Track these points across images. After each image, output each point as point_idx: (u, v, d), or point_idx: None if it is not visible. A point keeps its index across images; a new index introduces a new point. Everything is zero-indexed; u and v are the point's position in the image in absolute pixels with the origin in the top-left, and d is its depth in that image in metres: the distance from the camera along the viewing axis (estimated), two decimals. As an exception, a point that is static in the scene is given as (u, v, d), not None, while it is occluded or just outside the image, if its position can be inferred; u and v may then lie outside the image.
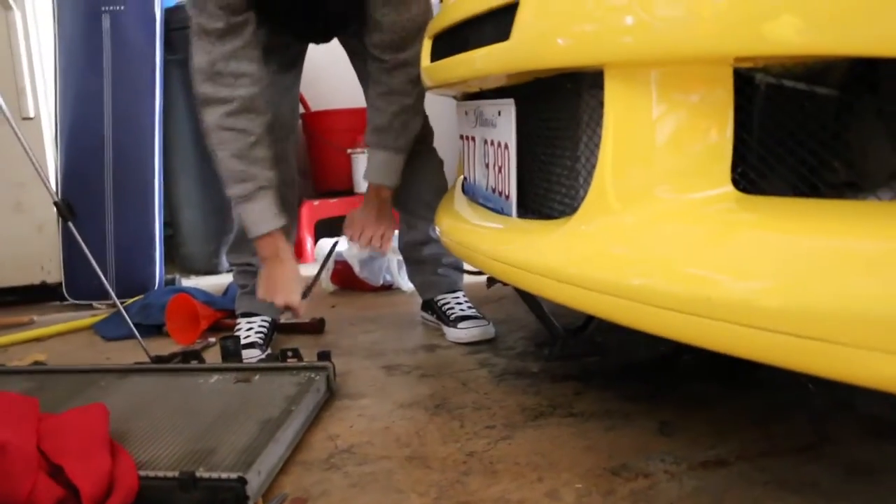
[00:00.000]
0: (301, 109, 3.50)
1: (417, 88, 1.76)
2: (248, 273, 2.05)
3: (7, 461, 1.09)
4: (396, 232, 2.09)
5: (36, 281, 2.94)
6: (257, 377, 1.58)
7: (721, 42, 0.75)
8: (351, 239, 1.98)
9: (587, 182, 1.04)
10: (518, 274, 1.13)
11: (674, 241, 0.84)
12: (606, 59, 0.91)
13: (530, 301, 1.71)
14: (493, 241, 1.26)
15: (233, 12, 1.65)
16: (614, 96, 0.92)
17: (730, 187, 0.82)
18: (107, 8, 2.90)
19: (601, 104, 0.96)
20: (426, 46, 1.48)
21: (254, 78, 1.71)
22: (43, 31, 2.89)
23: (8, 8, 2.74)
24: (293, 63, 2.01)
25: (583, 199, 1.03)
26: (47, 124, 2.88)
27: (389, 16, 1.72)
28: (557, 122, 1.15)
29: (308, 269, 3.01)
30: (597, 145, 1.01)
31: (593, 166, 1.02)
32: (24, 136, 2.05)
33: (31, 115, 2.81)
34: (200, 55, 1.69)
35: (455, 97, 1.62)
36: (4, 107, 2.02)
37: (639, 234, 0.89)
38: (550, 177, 1.18)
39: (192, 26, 1.68)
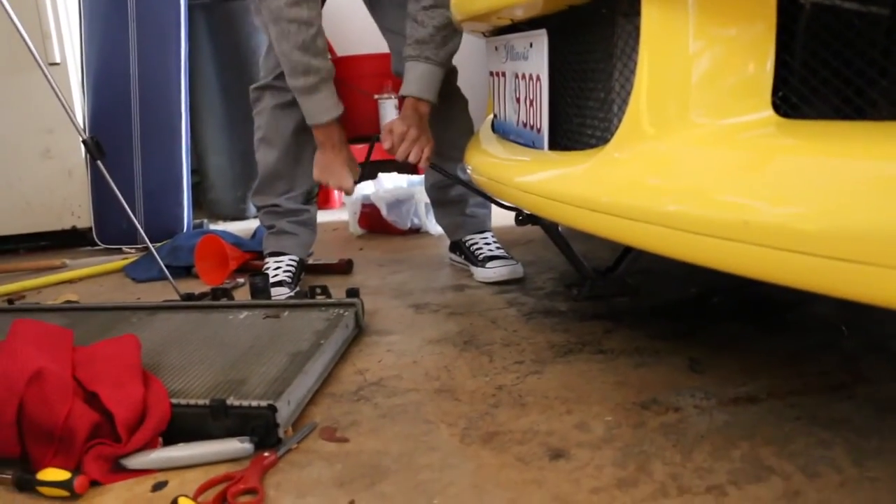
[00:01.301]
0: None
1: None
2: (274, 214, 2.05)
3: (44, 387, 1.11)
4: (422, 177, 2.08)
5: (67, 226, 2.96)
6: (286, 313, 1.59)
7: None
8: (390, 149, 1.87)
9: (621, 112, 1.02)
10: (551, 205, 1.12)
11: (711, 166, 0.83)
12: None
13: (560, 242, 1.71)
14: (525, 174, 1.24)
15: None
16: (651, 18, 0.90)
17: (770, 112, 0.80)
18: (131, -50, 2.88)
19: (636, 29, 0.94)
20: (455, -23, 1.45)
21: None
22: (67, -25, 2.87)
23: (33, -49, 2.72)
24: None
25: (616, 129, 1.02)
26: (73, 70, 2.88)
27: None
28: (590, 51, 1.13)
29: (334, 215, 3.03)
30: (631, 73, 0.99)
31: (627, 95, 1.00)
32: (54, 80, 2.04)
33: (58, 60, 2.81)
34: None
35: (483, 34, 1.59)
36: (35, 52, 2.01)
37: (675, 160, 0.88)
38: (583, 109, 1.16)
39: None
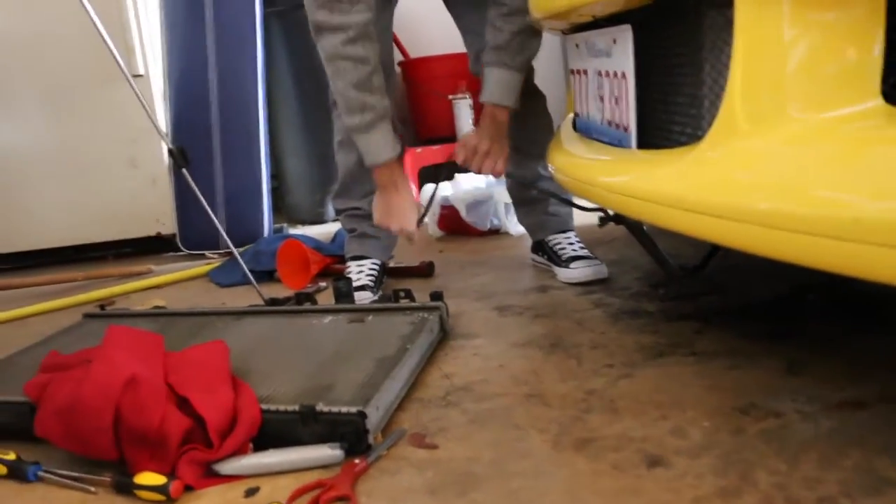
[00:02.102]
0: (400, 57, 3.49)
1: None
2: (355, 217, 2.06)
3: (139, 393, 1.13)
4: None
5: (151, 233, 3.04)
6: (370, 317, 1.59)
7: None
8: (463, 162, 1.87)
9: (712, 108, 0.99)
10: (641, 205, 1.09)
11: (814, 162, 0.79)
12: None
13: (645, 241, 1.67)
14: (613, 174, 1.21)
15: None
16: (745, 8, 0.86)
17: (880, 101, 0.76)
18: (208, -38, 2.93)
19: (728, 21, 0.90)
20: (535, -26, 1.43)
21: (368, 3, 1.69)
22: (149, -10, 2.94)
23: (117, -33, 2.79)
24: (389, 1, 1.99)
25: (708, 126, 0.98)
26: (156, 80, 2.95)
27: None
28: (679, 46, 1.10)
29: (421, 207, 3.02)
30: (723, 68, 0.96)
31: (719, 91, 0.97)
32: (139, 91, 2.09)
33: (141, 72, 2.87)
34: None
35: (562, 31, 1.57)
36: (122, 64, 2.06)
37: (774, 156, 0.84)
38: (671, 105, 1.13)
39: None
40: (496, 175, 1.85)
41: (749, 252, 0.88)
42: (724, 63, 0.94)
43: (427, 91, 3.38)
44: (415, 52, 3.56)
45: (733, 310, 1.59)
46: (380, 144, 1.77)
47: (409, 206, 1.85)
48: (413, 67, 3.48)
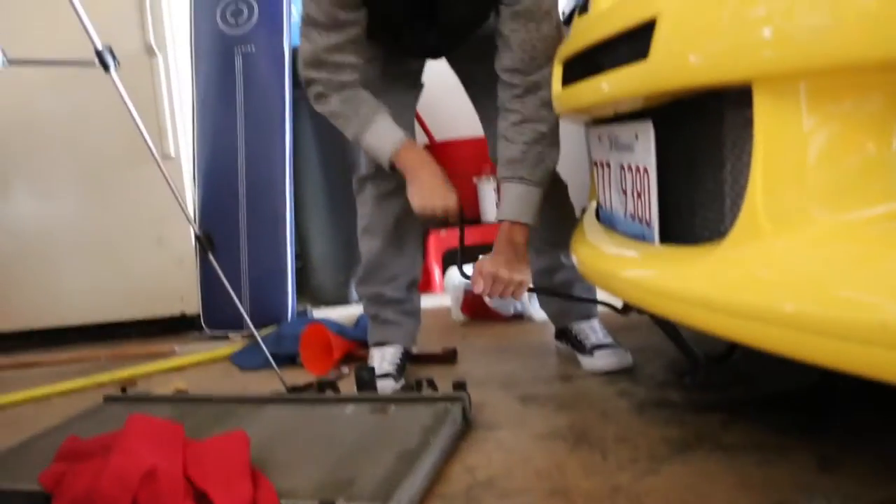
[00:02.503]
0: (425, 140, 3.54)
1: (552, 115, 1.67)
2: (378, 303, 2.06)
3: (158, 487, 1.12)
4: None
5: (176, 312, 3.06)
6: (393, 408, 1.58)
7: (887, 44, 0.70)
8: (481, 293, 1.80)
9: (735, 205, 0.99)
10: (664, 302, 1.08)
11: (839, 264, 0.79)
12: (755, 73, 0.86)
13: (668, 328, 1.66)
14: (635, 269, 1.21)
15: (344, 8, 1.68)
16: (764, 113, 0.87)
17: (901, 203, 0.76)
18: (239, 49, 3.01)
19: (748, 122, 0.91)
20: (556, 71, 1.45)
21: (355, 67, 1.75)
22: (182, 74, 3.02)
23: (153, 54, 2.88)
24: (411, 88, 2.03)
25: (730, 222, 0.98)
26: (186, 162, 3.00)
27: (518, 32, 1.67)
28: (699, 142, 1.11)
29: (436, 301, 3.02)
30: (744, 166, 0.96)
31: (740, 188, 0.97)
32: (167, 172, 2.13)
33: (172, 153, 2.94)
34: (306, 43, 1.74)
35: (584, 123, 1.59)
36: (153, 147, 2.10)
37: (798, 257, 0.84)
38: (693, 200, 1.13)
39: (303, 15, 1.74)
40: (517, 299, 1.82)
41: (774, 353, 0.87)
42: (745, 162, 0.95)
43: (452, 174, 3.41)
44: (440, 136, 3.61)
45: (761, 400, 1.57)
46: (385, 133, 1.77)
47: (444, 182, 1.80)
48: (438, 150, 3.52)
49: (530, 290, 1.85)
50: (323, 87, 1.76)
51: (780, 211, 0.87)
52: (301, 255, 3.32)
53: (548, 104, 1.65)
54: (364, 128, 1.76)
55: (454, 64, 2.05)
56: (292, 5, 3.07)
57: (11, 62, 1.91)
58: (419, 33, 1.81)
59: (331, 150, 3.19)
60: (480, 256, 2.64)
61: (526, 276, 1.78)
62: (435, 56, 2.02)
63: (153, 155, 2.09)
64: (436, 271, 3.26)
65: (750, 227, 0.90)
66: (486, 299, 2.56)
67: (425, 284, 3.34)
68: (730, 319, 0.92)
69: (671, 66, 0.98)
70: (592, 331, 1.98)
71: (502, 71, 1.73)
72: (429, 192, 1.78)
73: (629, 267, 1.24)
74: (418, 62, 2.03)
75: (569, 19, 2.36)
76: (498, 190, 2.83)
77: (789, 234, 0.86)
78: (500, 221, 1.78)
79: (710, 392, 1.62)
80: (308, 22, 1.72)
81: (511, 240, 1.75)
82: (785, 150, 0.86)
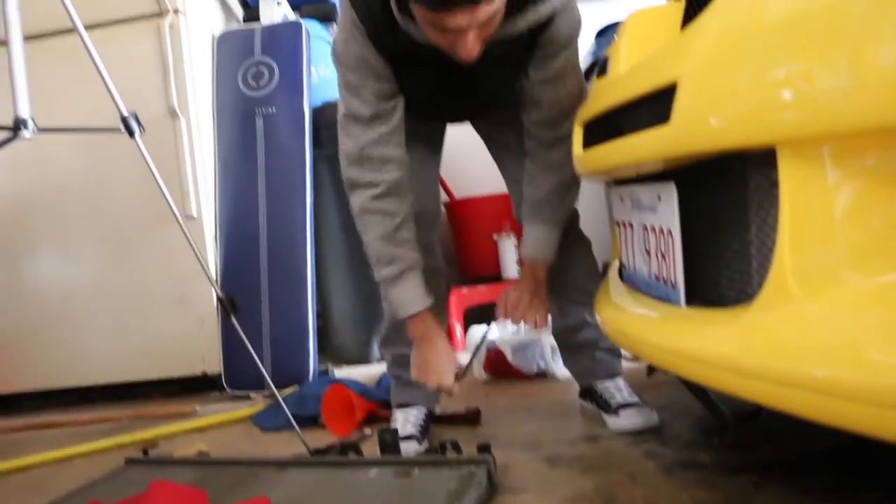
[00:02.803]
0: (445, 197, 3.56)
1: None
2: (400, 364, 2.05)
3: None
4: (549, 316, 2.06)
5: (197, 372, 3.05)
6: (417, 471, 1.56)
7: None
8: (504, 316, 1.90)
9: (761, 267, 0.98)
10: (690, 365, 1.07)
11: (872, 328, 0.77)
12: (779, 137, 0.86)
13: (695, 387, 1.63)
14: (660, 331, 1.20)
15: (383, 98, 1.70)
16: (790, 176, 0.86)
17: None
18: (261, 110, 3.06)
19: (772, 184, 0.91)
20: (577, 133, 1.46)
21: (399, 162, 1.75)
22: (205, 136, 3.06)
23: (176, 117, 2.92)
24: (436, 148, 2.05)
25: (757, 284, 0.98)
26: (208, 222, 3.03)
27: (548, 94, 1.73)
28: (724, 203, 1.10)
29: (459, 357, 3.00)
30: (769, 228, 0.95)
31: (766, 250, 0.96)
32: (190, 234, 2.15)
33: (195, 214, 2.97)
34: (348, 140, 1.75)
35: (606, 182, 1.59)
36: (175, 210, 2.13)
37: (829, 322, 0.82)
38: (718, 260, 1.13)
39: (341, 111, 1.75)
40: (538, 327, 1.87)
41: (806, 419, 0.85)
42: (771, 224, 0.94)
43: (472, 231, 3.43)
44: (460, 193, 3.63)
45: (792, 460, 1.54)
46: (409, 296, 1.79)
47: (446, 359, 1.84)
48: (458, 208, 3.54)
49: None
50: (369, 197, 1.75)
51: (808, 275, 0.86)
52: (322, 314, 3.32)
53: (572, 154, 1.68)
54: (393, 280, 1.79)
55: (478, 126, 2.08)
56: (312, 67, 3.12)
57: (41, 130, 1.94)
58: (453, 101, 1.85)
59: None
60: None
61: (546, 307, 1.88)
62: (466, 119, 2.06)
63: (176, 217, 2.11)
64: (458, 329, 3.25)
65: (778, 290, 0.89)
66: (509, 357, 2.55)
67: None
68: (759, 384, 0.90)
69: (693, 131, 0.98)
70: (618, 389, 1.96)
71: (531, 124, 1.79)
72: (427, 366, 1.84)
73: (654, 329, 1.23)
74: (442, 127, 2.06)
75: (587, 74, 2.39)
76: (518, 239, 2.85)
77: (819, 298, 0.84)
78: (523, 259, 1.89)
79: (739, 452, 1.59)
80: (349, 117, 1.73)
81: (533, 274, 1.87)
82: (812, 214, 0.85)
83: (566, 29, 1.68)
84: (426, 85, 1.75)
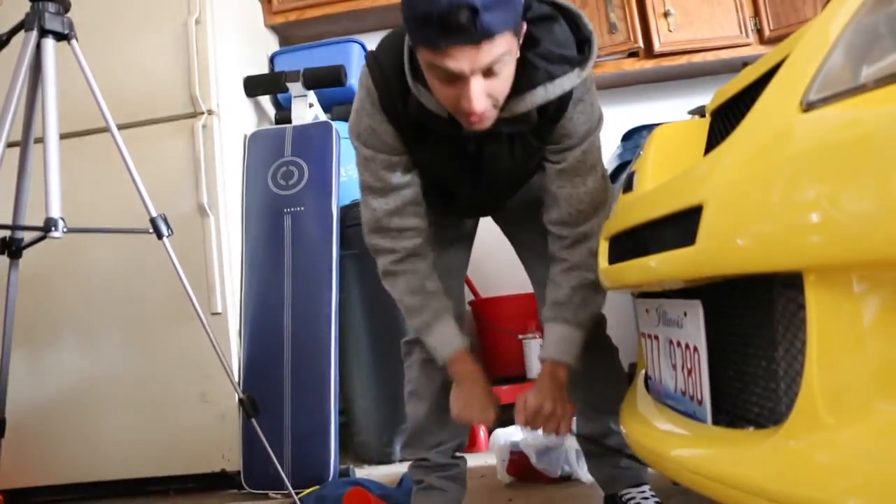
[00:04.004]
0: (471, 296, 3.57)
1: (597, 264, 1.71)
2: (423, 469, 2.03)
3: None
4: (574, 420, 2.04)
5: (216, 469, 3.01)
6: (438, 585, 1.53)
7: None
8: (525, 425, 1.82)
9: (789, 389, 0.97)
10: (715, 487, 1.05)
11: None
12: (807, 263, 0.86)
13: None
14: (685, 450, 1.19)
15: (395, 171, 1.75)
16: (818, 301, 0.86)
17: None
18: (289, 209, 3.11)
19: (799, 306, 0.91)
20: (603, 248, 1.47)
21: (418, 230, 1.80)
22: (233, 233, 3.11)
23: (205, 214, 2.98)
24: (465, 246, 2.09)
25: (785, 406, 0.97)
26: (233, 318, 3.04)
27: (565, 189, 1.74)
28: (750, 322, 1.10)
29: (482, 459, 2.97)
30: (797, 351, 0.95)
31: (794, 372, 0.96)
32: (212, 331, 2.17)
33: (220, 310, 2.98)
34: (366, 211, 1.81)
35: (632, 293, 1.59)
36: (198, 307, 2.16)
37: (860, 450, 0.81)
38: (745, 377, 1.12)
39: (360, 183, 1.81)
40: (561, 435, 1.83)
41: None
42: (799, 347, 0.94)
43: (497, 330, 3.42)
44: (485, 292, 3.64)
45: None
46: (445, 338, 1.82)
47: (487, 397, 1.84)
48: (484, 307, 3.55)
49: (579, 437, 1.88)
50: (390, 262, 1.81)
51: (839, 401, 0.85)
52: (344, 412, 3.30)
53: (594, 254, 1.67)
54: (426, 328, 1.83)
55: (503, 226, 2.11)
56: (341, 168, 3.18)
57: (70, 230, 1.98)
58: (466, 189, 1.86)
59: (376, 308, 3.22)
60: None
61: (570, 412, 1.81)
62: (483, 213, 2.09)
63: (199, 316, 2.14)
64: (481, 430, 3.21)
65: (807, 416, 0.88)
66: (533, 460, 2.51)
67: (471, 444, 3.28)
68: (791, 513, 0.89)
69: (719, 253, 0.98)
70: (644, 498, 1.93)
71: (550, 224, 1.80)
72: (469, 404, 1.84)
73: (679, 447, 1.21)
74: (471, 224, 2.08)
75: (612, 177, 2.41)
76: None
77: (850, 426, 0.83)
78: (543, 361, 1.82)
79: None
80: (364, 188, 1.80)
81: (554, 376, 1.79)
82: (841, 340, 0.84)
83: (584, 122, 1.71)
84: (437, 163, 1.78)
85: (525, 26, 1.54)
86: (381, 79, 1.67)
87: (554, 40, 1.60)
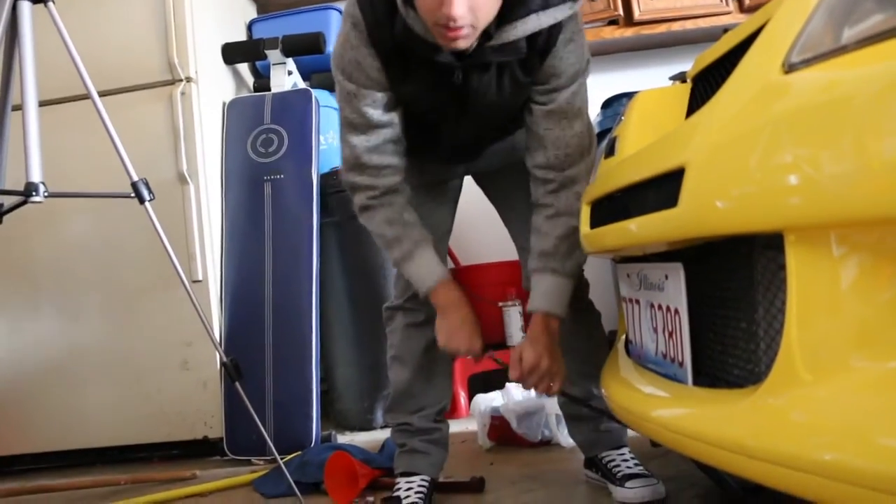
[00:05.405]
0: (451, 264, 3.58)
1: None
2: (406, 432, 2.05)
3: None
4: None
5: (198, 436, 3.03)
6: (422, 545, 1.55)
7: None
8: (519, 380, 1.80)
9: (769, 349, 0.99)
10: (696, 446, 1.07)
11: (883, 412, 0.78)
12: (788, 223, 0.87)
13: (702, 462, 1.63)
14: (667, 410, 1.21)
15: (379, 108, 1.73)
16: (797, 261, 0.88)
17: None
18: (268, 177, 3.11)
19: (779, 267, 0.92)
20: (584, 212, 1.47)
21: (397, 168, 1.80)
22: (213, 201, 3.10)
23: (185, 182, 2.97)
24: (450, 199, 2.09)
25: (765, 366, 0.99)
26: (213, 286, 3.05)
27: (552, 130, 1.74)
28: (731, 284, 1.12)
29: (462, 425, 2.99)
30: (776, 310, 0.97)
31: (774, 332, 0.97)
32: (195, 297, 2.17)
33: (200, 278, 2.99)
34: (346, 147, 1.79)
35: (613, 259, 1.60)
36: (181, 272, 2.15)
37: (838, 406, 0.83)
38: (725, 339, 1.14)
39: (340, 119, 1.79)
40: (551, 395, 1.83)
41: (814, 502, 0.86)
42: (779, 307, 0.95)
43: (477, 298, 3.43)
44: (465, 260, 3.65)
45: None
46: (425, 269, 1.81)
47: (472, 326, 1.83)
48: (463, 275, 3.55)
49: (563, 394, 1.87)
50: (367, 197, 1.80)
51: (817, 359, 0.86)
52: (326, 379, 3.31)
53: (580, 198, 1.65)
54: (406, 258, 1.81)
55: (489, 191, 2.11)
56: (321, 135, 3.16)
57: (51, 195, 1.97)
58: (450, 125, 1.84)
59: (357, 275, 3.23)
60: (507, 384, 2.63)
61: (563, 368, 1.81)
62: (465, 158, 2.04)
63: (182, 281, 2.14)
64: (462, 396, 3.24)
65: (787, 374, 0.90)
66: (513, 424, 2.54)
67: (451, 409, 3.31)
68: (767, 467, 0.91)
69: (701, 215, 0.99)
70: (623, 460, 1.95)
71: (536, 168, 1.79)
72: (455, 332, 1.82)
73: (661, 408, 1.24)
74: (456, 186, 2.09)
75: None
76: (524, 312, 2.83)
77: (828, 383, 0.85)
78: (533, 313, 1.80)
79: (746, 528, 1.58)
80: (344, 125, 1.78)
81: (547, 329, 1.78)
82: (819, 299, 0.86)
83: (573, 63, 1.71)
84: (422, 95, 1.76)
85: None
86: (367, 4, 1.64)
87: None
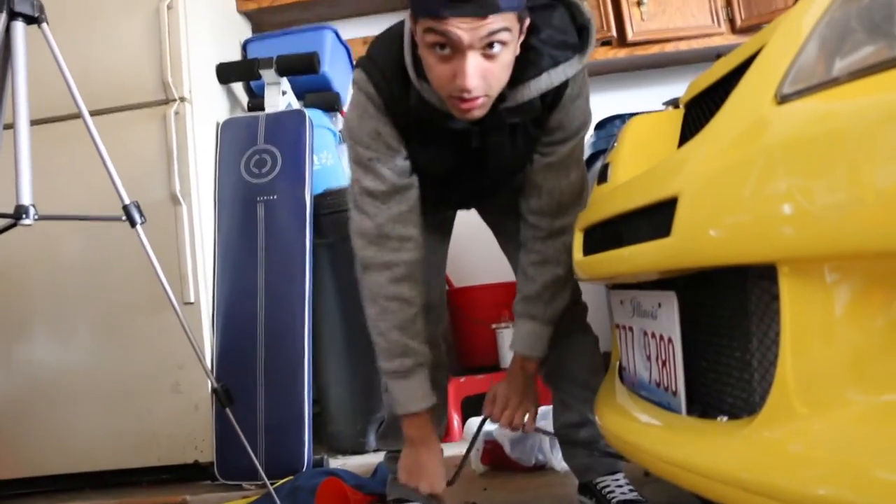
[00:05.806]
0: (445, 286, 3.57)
1: (570, 259, 1.65)
2: (398, 460, 2.02)
3: None
4: (547, 410, 2.05)
5: (189, 460, 2.99)
6: (414, 575, 1.54)
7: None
8: (492, 418, 1.87)
9: (763, 380, 0.98)
10: (690, 477, 1.06)
11: (880, 446, 0.77)
12: (782, 255, 0.86)
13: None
14: (660, 441, 1.19)
15: (399, 174, 1.70)
16: (792, 293, 0.87)
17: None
18: (262, 198, 3.09)
19: (773, 297, 0.92)
20: (577, 239, 1.47)
21: (417, 242, 1.74)
22: (205, 222, 3.09)
23: (178, 203, 2.95)
24: (444, 241, 2.07)
25: (759, 396, 0.98)
26: (206, 308, 3.02)
27: (549, 180, 1.75)
28: (724, 312, 1.11)
29: (456, 448, 2.96)
30: (771, 341, 0.96)
31: (768, 363, 0.96)
32: (185, 320, 2.15)
33: (192, 299, 2.96)
34: (365, 218, 1.71)
35: (607, 285, 1.60)
36: (171, 295, 2.14)
37: (832, 440, 0.82)
38: (719, 368, 1.13)
39: (355, 189, 1.73)
40: (526, 431, 1.87)
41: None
42: (772, 338, 0.95)
43: (471, 320, 3.43)
44: (458, 282, 3.64)
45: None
46: (415, 393, 1.76)
47: (438, 464, 1.82)
48: (457, 296, 3.55)
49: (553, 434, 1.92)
50: (388, 279, 1.72)
51: (812, 392, 0.86)
52: (318, 401, 3.29)
53: (568, 249, 1.64)
54: (401, 374, 1.76)
55: (487, 217, 2.11)
56: (315, 156, 3.16)
57: (41, 217, 1.96)
58: (466, 180, 1.84)
59: (350, 296, 3.18)
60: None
61: (535, 404, 1.87)
62: (475, 203, 2.06)
63: (173, 305, 2.12)
64: (455, 419, 3.22)
65: (781, 406, 0.89)
66: (507, 449, 2.52)
67: (445, 433, 3.29)
68: (762, 500, 0.89)
69: (694, 245, 0.99)
70: (618, 486, 1.93)
71: (529, 212, 1.79)
72: (420, 470, 1.82)
73: (654, 438, 1.22)
74: (452, 216, 2.09)
75: (586, 165, 2.42)
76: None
77: (823, 416, 0.84)
78: (514, 352, 1.86)
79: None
80: (362, 195, 1.71)
81: (523, 370, 1.84)
82: (814, 331, 0.85)
83: (578, 117, 1.72)
84: (440, 161, 1.75)
85: (528, 19, 1.53)
86: (382, 81, 1.64)
87: (554, 26, 1.60)
